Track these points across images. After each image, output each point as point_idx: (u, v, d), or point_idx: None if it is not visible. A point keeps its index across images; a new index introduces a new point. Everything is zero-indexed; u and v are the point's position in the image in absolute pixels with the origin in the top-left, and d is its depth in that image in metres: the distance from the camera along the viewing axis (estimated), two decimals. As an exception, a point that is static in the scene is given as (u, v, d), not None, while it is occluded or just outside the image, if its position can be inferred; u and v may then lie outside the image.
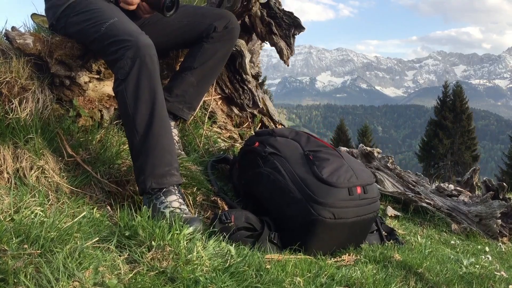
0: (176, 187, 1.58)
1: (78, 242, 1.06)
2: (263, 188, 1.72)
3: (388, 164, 3.05)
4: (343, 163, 1.68)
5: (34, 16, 2.09)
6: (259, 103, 2.48)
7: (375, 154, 3.16)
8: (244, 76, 2.39)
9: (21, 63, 1.82)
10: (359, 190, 1.63)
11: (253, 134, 1.96)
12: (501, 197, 2.55)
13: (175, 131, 2.05)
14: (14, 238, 1.03)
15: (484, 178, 2.63)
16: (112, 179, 1.74)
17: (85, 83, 1.97)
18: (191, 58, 2.03)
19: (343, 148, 3.36)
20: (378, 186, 2.88)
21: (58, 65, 1.86)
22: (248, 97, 2.45)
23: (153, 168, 1.55)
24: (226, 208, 1.77)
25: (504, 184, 2.53)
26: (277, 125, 2.95)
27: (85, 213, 1.30)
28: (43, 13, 2.03)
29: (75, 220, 1.20)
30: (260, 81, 2.90)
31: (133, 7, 1.84)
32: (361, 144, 3.29)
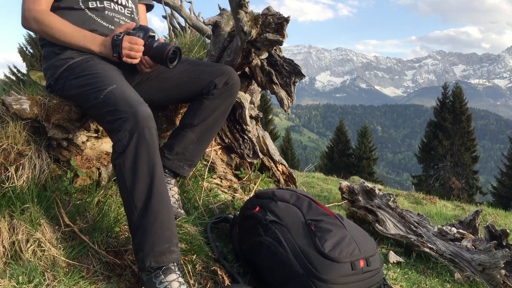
0: (175, 264, 1.55)
1: None
2: (264, 258, 1.69)
3: (389, 203, 3.02)
4: (346, 234, 1.65)
5: (32, 72, 2.06)
6: (259, 154, 2.45)
7: (376, 191, 3.14)
8: (244, 126, 2.36)
9: (17, 128, 1.78)
10: (362, 263, 1.60)
11: (254, 195, 1.93)
12: (504, 244, 2.52)
13: (174, 189, 2.02)
14: None
15: (487, 223, 2.59)
16: (110, 249, 1.70)
17: (83, 142, 1.94)
18: (191, 115, 2.00)
19: (344, 183, 3.33)
20: (380, 227, 2.85)
21: (55, 129, 1.82)
22: (248, 147, 2.42)
23: (152, 245, 1.52)
24: (225, 277, 1.73)
25: (508, 230, 2.50)
26: (278, 165, 2.92)
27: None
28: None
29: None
30: (260, 117, 2.87)
31: (136, 61, 1.82)
32: (362, 180, 3.26)
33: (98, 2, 1.92)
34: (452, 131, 26.98)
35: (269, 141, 2.91)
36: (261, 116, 2.76)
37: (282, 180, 2.90)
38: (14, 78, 26.67)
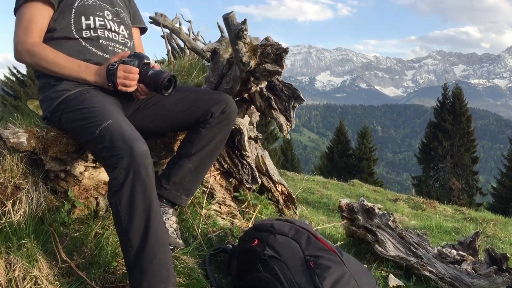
0: (173, 303, 1.54)
1: None
2: (263, 294, 1.68)
3: (389, 223, 3.01)
4: (345, 271, 1.64)
5: (29, 101, 2.04)
6: (258, 179, 2.43)
7: (376, 210, 3.12)
8: (243, 151, 2.35)
9: (14, 161, 1.77)
10: (361, 301, 1.59)
11: (252, 227, 1.92)
12: (504, 268, 2.51)
13: (173, 219, 2.00)
14: None
15: (487, 247, 2.58)
16: (107, 285, 1.69)
17: (81, 173, 1.93)
18: (189, 144, 1.99)
19: (344, 202, 3.32)
20: (380, 248, 2.84)
21: (53, 162, 1.81)
22: (247, 172, 2.40)
23: (149, 285, 1.50)
24: (224, 313, 1.72)
25: (507, 254, 2.49)
26: (277, 185, 2.91)
27: None
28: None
29: None
30: (259, 139, 2.86)
31: (131, 89, 1.82)
32: (362, 198, 3.25)
33: (92, 31, 1.91)
34: (452, 132, 26.92)
35: (268, 161, 2.89)
36: (260, 137, 2.75)
37: (281, 201, 2.89)
38: (14, 79, 26.66)
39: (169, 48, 2.77)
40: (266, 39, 1.93)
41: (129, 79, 1.78)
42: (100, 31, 1.92)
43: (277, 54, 1.87)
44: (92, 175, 1.99)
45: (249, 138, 2.68)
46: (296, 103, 2.37)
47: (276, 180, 2.88)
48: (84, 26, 1.90)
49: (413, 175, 31.12)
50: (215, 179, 2.38)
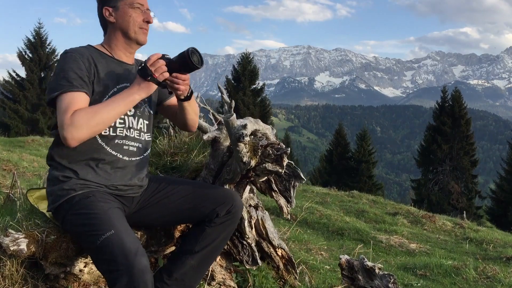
0: None
1: None
2: None
3: (389, 285, 3.00)
4: None
5: (29, 192, 2.03)
6: (258, 260, 2.43)
7: (377, 270, 3.12)
8: (243, 234, 2.35)
9: (14, 266, 1.77)
10: None
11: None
12: None
13: (173, 313, 2.00)
14: None
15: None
16: None
17: (80, 270, 1.93)
18: (192, 240, 1.98)
19: (343, 259, 3.31)
20: (380, 315, 2.83)
21: (53, 266, 1.81)
22: (247, 253, 2.40)
23: None
24: None
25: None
26: (277, 250, 2.90)
27: None
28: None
29: None
30: (260, 207, 2.85)
31: (166, 75, 1.78)
32: (362, 256, 3.25)
33: (111, 129, 1.85)
34: (451, 135, 26.85)
35: (268, 224, 2.88)
36: (261, 204, 2.75)
37: (281, 266, 2.88)
38: (13, 82, 26.60)
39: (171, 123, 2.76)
40: (266, 138, 1.93)
41: (158, 64, 1.76)
42: (118, 130, 1.88)
43: (277, 154, 1.87)
44: (92, 270, 1.98)
45: (249, 205, 2.68)
46: (297, 182, 2.36)
47: (276, 245, 2.87)
48: None
49: (412, 178, 31.07)
50: (215, 261, 2.38)
